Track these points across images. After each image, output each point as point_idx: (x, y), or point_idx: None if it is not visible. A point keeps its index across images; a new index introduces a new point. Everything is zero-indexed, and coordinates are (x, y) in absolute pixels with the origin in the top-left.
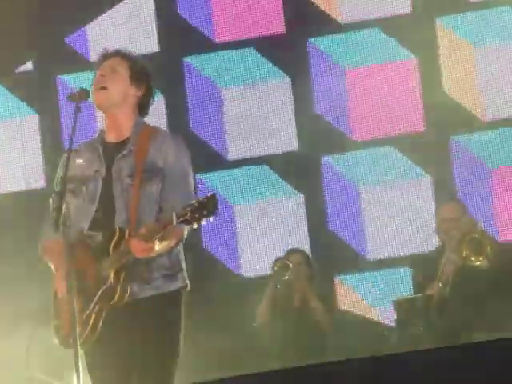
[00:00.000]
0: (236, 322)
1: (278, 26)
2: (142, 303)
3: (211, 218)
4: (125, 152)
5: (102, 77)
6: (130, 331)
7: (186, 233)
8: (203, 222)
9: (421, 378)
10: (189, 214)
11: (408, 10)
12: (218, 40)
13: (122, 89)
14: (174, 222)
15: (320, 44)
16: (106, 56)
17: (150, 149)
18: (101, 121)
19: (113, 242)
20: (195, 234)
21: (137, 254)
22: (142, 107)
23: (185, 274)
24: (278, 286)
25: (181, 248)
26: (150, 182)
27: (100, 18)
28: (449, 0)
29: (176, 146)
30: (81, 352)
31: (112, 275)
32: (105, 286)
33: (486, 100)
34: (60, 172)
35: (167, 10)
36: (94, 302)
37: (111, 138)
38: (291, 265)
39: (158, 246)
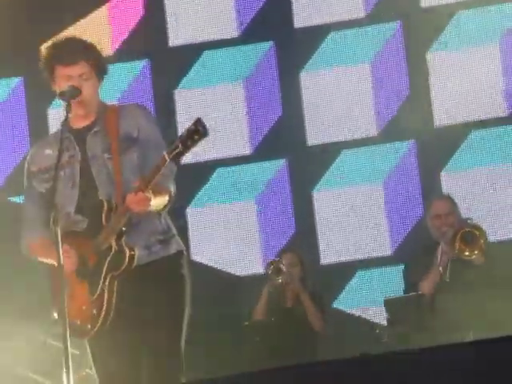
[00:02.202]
0: (227, 321)
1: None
2: (147, 270)
3: (203, 140)
4: (96, 129)
5: (74, 83)
6: (140, 297)
7: (173, 191)
8: (195, 147)
9: (412, 377)
10: (180, 145)
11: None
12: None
13: (96, 94)
14: (167, 158)
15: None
16: (68, 60)
17: (120, 122)
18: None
19: (103, 215)
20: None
21: (134, 208)
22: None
23: (178, 239)
24: (271, 291)
25: (167, 215)
26: (129, 151)
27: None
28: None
29: (146, 115)
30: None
31: (114, 243)
32: (110, 256)
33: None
34: (31, 167)
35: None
36: (102, 275)
37: (79, 124)
38: (284, 268)
39: (154, 200)
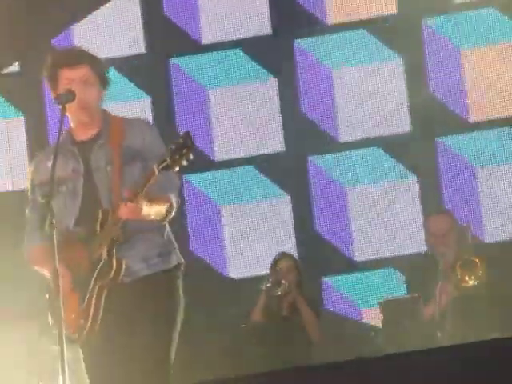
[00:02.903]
0: (224, 323)
1: (265, 28)
2: (142, 282)
3: (191, 156)
4: (101, 141)
5: (81, 90)
6: (131, 311)
7: (174, 201)
8: (184, 163)
9: (407, 379)
10: (168, 158)
11: (394, 10)
12: (204, 41)
13: (96, 98)
14: (156, 171)
15: (306, 45)
16: (70, 62)
17: (124, 135)
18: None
19: (98, 224)
20: (182, 235)
21: (125, 216)
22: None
23: (178, 252)
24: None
25: (169, 228)
26: (131, 163)
27: (86, 19)
28: (435, 0)
29: (151, 129)
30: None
31: (104, 252)
32: (100, 265)
33: (471, 101)
34: (35, 179)
35: (153, 12)
36: (91, 284)
37: (82, 135)
38: (284, 281)
39: (149, 209)
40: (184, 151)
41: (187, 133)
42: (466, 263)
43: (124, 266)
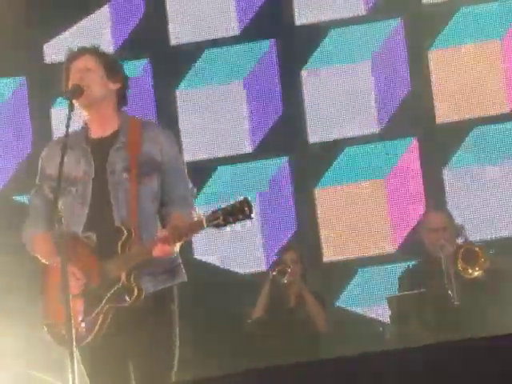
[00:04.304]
0: (229, 319)
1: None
2: (149, 298)
3: (247, 221)
4: (118, 145)
5: (80, 79)
6: (135, 327)
7: (205, 223)
8: (234, 225)
9: (416, 375)
10: (221, 217)
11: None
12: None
13: (101, 87)
14: (205, 226)
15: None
16: (75, 55)
17: (143, 141)
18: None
19: (120, 243)
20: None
21: (157, 256)
22: (121, 99)
23: (182, 267)
24: (273, 289)
25: None
26: (148, 177)
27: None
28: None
29: (170, 139)
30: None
31: (123, 276)
32: (116, 287)
33: None
34: (45, 168)
35: None
36: (103, 302)
37: (97, 133)
38: (289, 269)
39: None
40: (240, 216)
41: (246, 199)
42: (466, 254)
43: (144, 292)
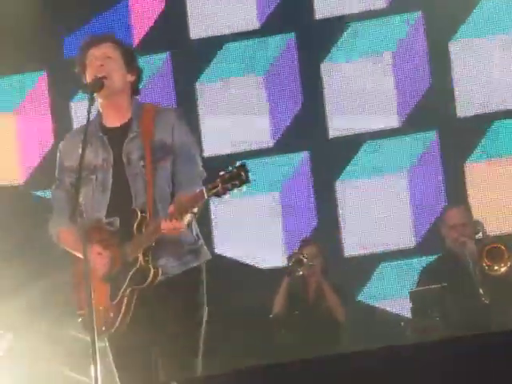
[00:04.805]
0: (251, 314)
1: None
2: (175, 280)
3: (244, 188)
4: (132, 135)
5: (101, 66)
6: (163, 309)
7: (205, 194)
8: (234, 192)
9: (437, 368)
10: (220, 185)
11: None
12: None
13: (121, 77)
14: (206, 196)
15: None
16: (94, 42)
17: (155, 128)
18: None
19: (135, 225)
20: (205, 226)
21: (167, 232)
22: (135, 89)
23: (205, 247)
24: (292, 283)
25: (195, 223)
26: (162, 160)
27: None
28: None
29: (181, 121)
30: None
31: (141, 257)
32: (134, 269)
33: None
34: (64, 161)
35: None
36: (124, 285)
37: (112, 122)
38: (305, 260)
39: (187, 219)
40: (236, 182)
41: (243, 164)
42: (491, 251)
43: (161, 272)
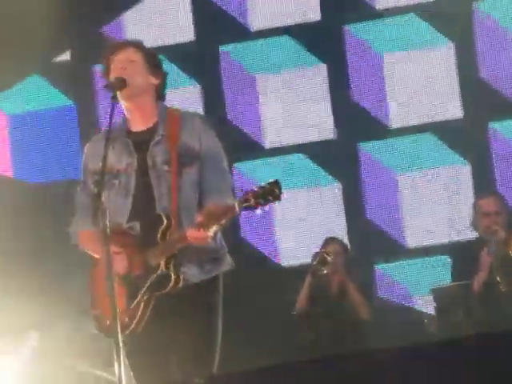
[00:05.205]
0: (274, 311)
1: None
2: (194, 288)
3: (276, 203)
4: (157, 139)
5: (123, 69)
6: (178, 316)
7: (237, 209)
8: (266, 208)
9: (461, 365)
10: (252, 200)
11: None
12: (253, 28)
13: (143, 79)
14: (237, 209)
15: (356, 30)
16: (118, 48)
17: (181, 132)
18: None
19: (160, 230)
20: (232, 221)
21: (193, 242)
22: (160, 94)
23: (228, 256)
24: (315, 281)
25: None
26: (188, 166)
27: (136, 6)
28: None
29: (207, 128)
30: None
31: (163, 263)
32: (155, 275)
33: None
34: (88, 164)
35: None
36: (143, 290)
37: (137, 126)
38: (330, 259)
39: (215, 230)
40: (270, 198)
41: (277, 181)
42: None
43: (181, 280)
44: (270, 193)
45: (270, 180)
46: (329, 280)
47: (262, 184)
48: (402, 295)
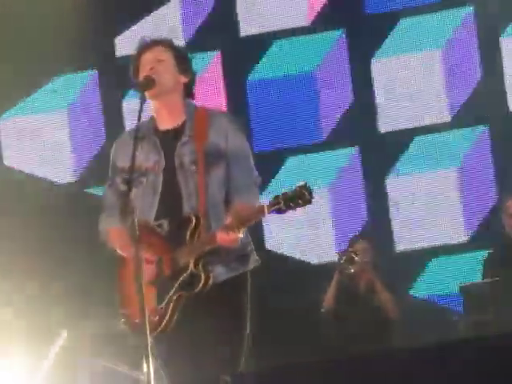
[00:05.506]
0: (302, 309)
1: None
2: (221, 287)
3: (305, 207)
4: (185, 139)
5: (152, 69)
6: (206, 316)
7: (266, 210)
8: (294, 210)
9: (490, 364)
10: (282, 203)
11: None
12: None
13: (171, 78)
14: (266, 212)
15: None
16: (147, 47)
17: (209, 132)
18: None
19: (188, 230)
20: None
21: (222, 244)
22: (188, 92)
23: (255, 253)
24: (342, 279)
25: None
26: (215, 166)
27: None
28: None
29: (235, 126)
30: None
31: (192, 263)
32: (185, 274)
33: None
34: (116, 161)
35: None
36: (173, 290)
37: (165, 125)
38: (357, 258)
39: (242, 232)
40: (299, 201)
41: (306, 184)
42: None
43: (211, 279)
44: (301, 196)
45: (300, 183)
46: (356, 278)
47: (292, 187)
48: (431, 292)
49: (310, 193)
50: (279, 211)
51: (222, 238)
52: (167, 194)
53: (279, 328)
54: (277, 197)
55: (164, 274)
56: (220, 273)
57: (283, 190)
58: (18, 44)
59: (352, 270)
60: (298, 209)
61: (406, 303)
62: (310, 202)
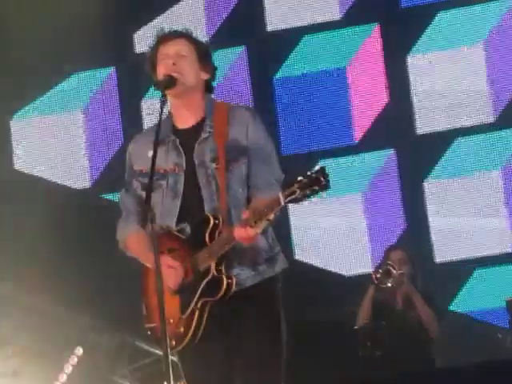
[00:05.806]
0: (336, 323)
1: None
2: (249, 292)
3: (323, 193)
4: (204, 135)
5: (174, 65)
6: (236, 324)
7: (282, 200)
8: (312, 199)
9: None
10: (298, 191)
11: None
12: None
13: (194, 76)
14: (282, 203)
15: None
16: (168, 38)
17: (229, 127)
18: None
19: (207, 231)
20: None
21: (241, 241)
22: (209, 88)
23: (282, 255)
24: (378, 295)
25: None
26: (237, 162)
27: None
28: None
29: (256, 122)
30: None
31: (213, 266)
32: (206, 280)
33: None
34: (133, 164)
35: None
36: (196, 297)
37: (184, 123)
38: (394, 272)
39: (263, 226)
40: (316, 188)
41: (323, 168)
42: None
43: (234, 283)
44: (316, 182)
45: (316, 167)
46: (393, 292)
47: (309, 173)
48: (474, 307)
49: (327, 177)
50: (295, 201)
51: (240, 234)
52: (189, 196)
53: (313, 343)
54: (291, 185)
55: (187, 280)
56: (248, 276)
57: (298, 178)
58: (30, 42)
59: (389, 284)
60: (314, 196)
61: (446, 319)
62: (326, 187)
